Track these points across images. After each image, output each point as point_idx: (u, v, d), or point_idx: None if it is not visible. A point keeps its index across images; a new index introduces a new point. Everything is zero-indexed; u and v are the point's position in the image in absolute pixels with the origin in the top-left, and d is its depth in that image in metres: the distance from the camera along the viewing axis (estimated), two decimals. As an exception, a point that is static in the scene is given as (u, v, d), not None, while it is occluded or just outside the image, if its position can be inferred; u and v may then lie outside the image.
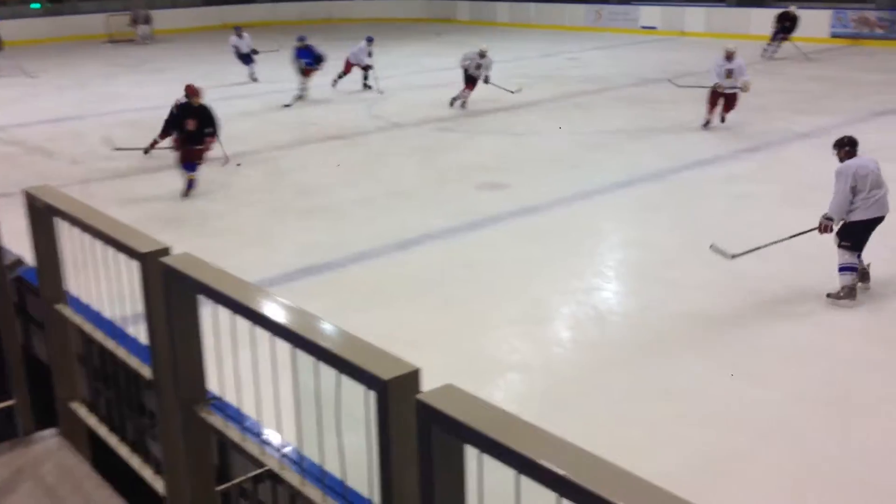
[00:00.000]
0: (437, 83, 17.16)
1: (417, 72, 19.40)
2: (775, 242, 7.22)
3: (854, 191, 6.55)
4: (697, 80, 14.72)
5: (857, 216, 6.61)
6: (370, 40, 17.08)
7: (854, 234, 6.64)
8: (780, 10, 20.26)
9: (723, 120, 12.94)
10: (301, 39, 16.34)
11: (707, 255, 7.85)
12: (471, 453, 1.46)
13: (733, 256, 7.20)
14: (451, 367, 5.64)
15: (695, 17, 25.83)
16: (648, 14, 27.07)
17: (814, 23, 22.51)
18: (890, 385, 5.59)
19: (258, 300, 1.91)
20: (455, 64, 15.44)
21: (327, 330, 1.77)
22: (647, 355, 6.06)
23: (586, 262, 7.95)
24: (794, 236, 7.19)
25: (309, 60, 16.22)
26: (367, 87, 17.12)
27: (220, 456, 3.26)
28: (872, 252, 6.91)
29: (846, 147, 6.76)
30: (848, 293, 6.67)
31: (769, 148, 11.79)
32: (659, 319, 6.63)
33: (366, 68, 17.09)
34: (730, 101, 12.78)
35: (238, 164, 11.12)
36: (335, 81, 17.13)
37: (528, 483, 1.32)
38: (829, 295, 6.73)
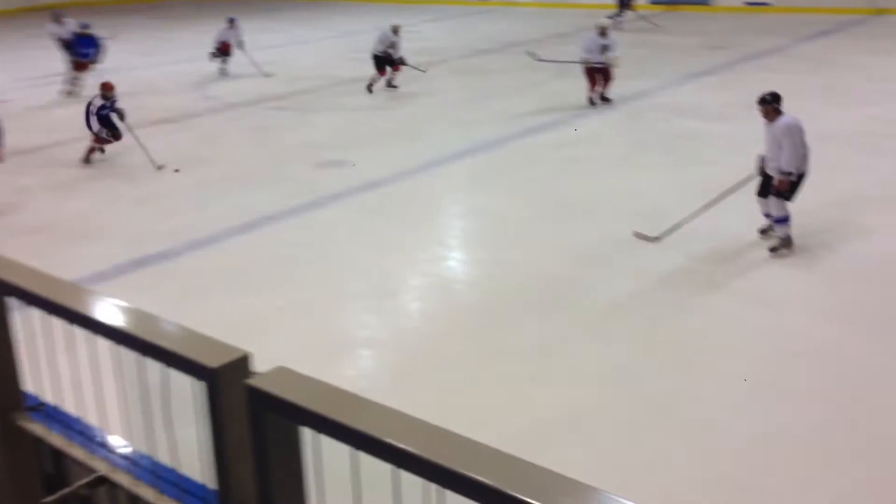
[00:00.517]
0: (272, 60, 16.73)
1: (253, 49, 18.79)
2: (698, 213, 7.34)
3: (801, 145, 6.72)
4: (527, 48, 15.05)
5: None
6: (232, 21, 16.15)
7: (795, 186, 6.81)
8: None
9: (605, 98, 12.58)
10: (84, 27, 14.84)
11: (545, 218, 8.11)
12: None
13: (656, 238, 7.28)
14: (298, 348, 5.57)
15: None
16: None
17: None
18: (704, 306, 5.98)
19: (74, 298, 1.79)
20: (307, 39, 15.07)
21: (150, 322, 1.68)
22: (493, 321, 6.19)
23: (430, 234, 8.02)
24: (717, 200, 7.33)
25: (87, 52, 14.67)
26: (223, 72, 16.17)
27: (56, 465, 3.06)
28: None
29: (775, 104, 6.79)
30: (787, 243, 6.90)
31: (595, 113, 12.24)
32: (502, 285, 6.79)
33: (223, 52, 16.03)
34: (606, 76, 12.50)
35: (176, 171, 10.06)
36: (222, 66, 16.08)
37: (370, 460, 1.30)
38: (772, 249, 6.91)
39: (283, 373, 1.47)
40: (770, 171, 6.87)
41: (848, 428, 4.73)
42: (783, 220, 6.89)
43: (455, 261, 7.49)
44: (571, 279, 6.81)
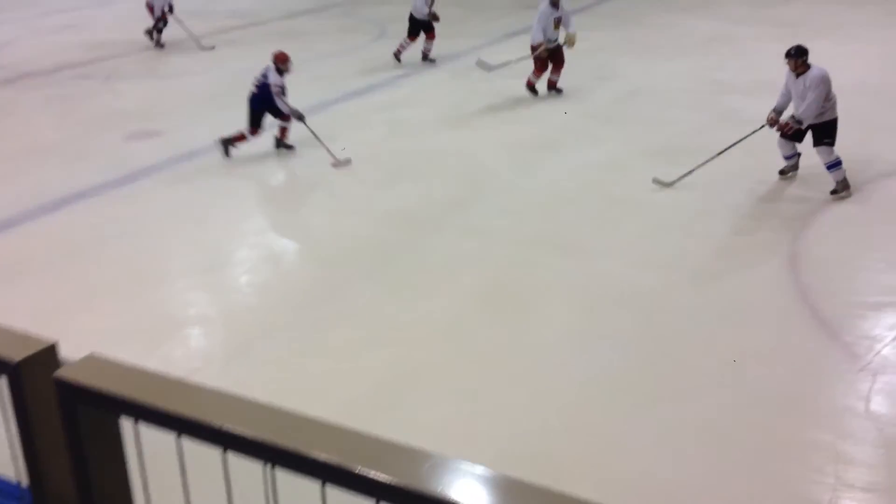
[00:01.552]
0: (69, 24, 15.57)
1: (46, 13, 17.39)
2: (709, 161, 7.44)
3: (828, 96, 6.95)
4: (345, 10, 14.76)
5: (831, 115, 7.04)
6: None
7: (834, 132, 7.06)
8: None
9: (557, 88, 10.65)
10: None
11: (373, 183, 8.08)
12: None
13: (671, 184, 7.47)
14: (119, 333, 5.28)
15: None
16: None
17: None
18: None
19: None
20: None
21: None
22: (326, 289, 6.12)
23: (255, 203, 7.79)
24: (730, 147, 7.48)
25: None
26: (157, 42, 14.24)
27: None
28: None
29: (803, 57, 6.99)
30: (845, 185, 7.12)
31: (417, 73, 12.26)
32: (333, 252, 6.71)
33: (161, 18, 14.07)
34: (558, 60, 10.48)
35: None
36: (157, 39, 14.21)
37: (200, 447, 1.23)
38: (833, 192, 7.10)
39: (94, 361, 1.36)
40: (813, 121, 7.06)
41: (669, 366, 5.04)
42: (836, 164, 7.10)
43: (283, 231, 7.32)
44: (401, 241, 6.83)
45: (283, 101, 8.32)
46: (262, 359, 5.21)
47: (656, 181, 7.57)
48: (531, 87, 10.62)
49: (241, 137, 8.53)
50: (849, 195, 7.16)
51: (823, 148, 7.11)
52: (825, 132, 7.08)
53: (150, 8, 14.10)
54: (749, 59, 11.79)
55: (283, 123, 8.60)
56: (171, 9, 14.12)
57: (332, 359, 5.22)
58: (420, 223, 7.16)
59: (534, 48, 10.22)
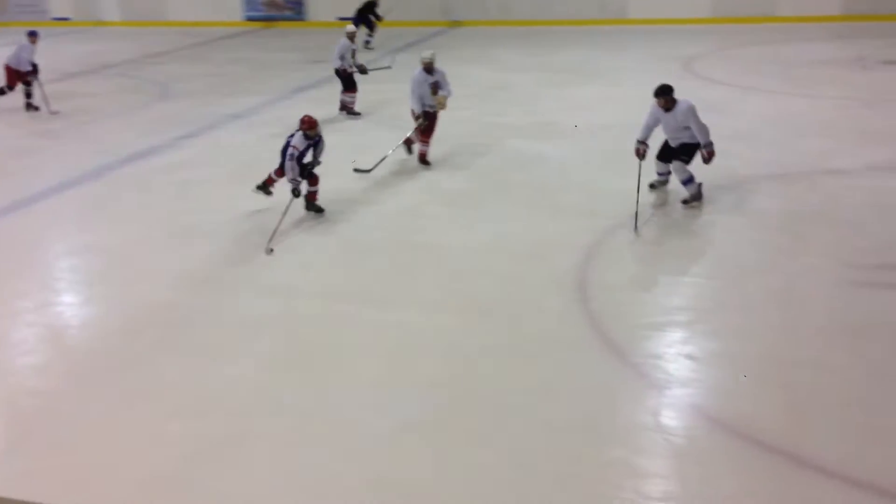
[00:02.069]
0: None
1: None
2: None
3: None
4: (122, 70, 14.22)
5: (693, 139, 7.89)
6: (33, 35, 13.08)
7: (693, 153, 7.96)
8: None
9: (425, 161, 9.86)
10: None
11: (161, 246, 7.77)
12: None
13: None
14: None
15: (109, 5, 25.00)
16: (59, 4, 25.45)
17: (228, 7, 23.45)
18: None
19: None
20: None
21: None
22: (115, 362, 5.76)
23: (33, 279, 7.24)
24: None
25: None
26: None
27: None
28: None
29: (671, 93, 7.81)
30: (696, 197, 8.09)
31: (205, 133, 11.97)
32: (120, 322, 6.34)
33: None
34: (431, 125, 9.78)
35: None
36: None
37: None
38: (684, 201, 8.06)
39: None
40: (673, 144, 8.01)
41: (473, 405, 5.14)
42: (690, 179, 8.03)
43: (65, 305, 6.84)
44: (197, 305, 6.58)
45: (290, 165, 7.95)
46: (44, 449, 4.81)
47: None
48: (423, 159, 9.85)
49: (270, 181, 8.51)
50: (699, 206, 8.05)
51: (680, 164, 7.99)
52: (685, 152, 7.98)
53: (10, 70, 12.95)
54: (528, 104, 12.49)
55: (312, 188, 8.31)
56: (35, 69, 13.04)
57: (127, 436, 4.90)
58: (216, 284, 6.93)
59: (416, 118, 9.69)
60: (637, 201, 7.72)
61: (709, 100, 12.28)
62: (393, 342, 5.94)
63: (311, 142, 8.02)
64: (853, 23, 18.44)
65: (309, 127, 7.97)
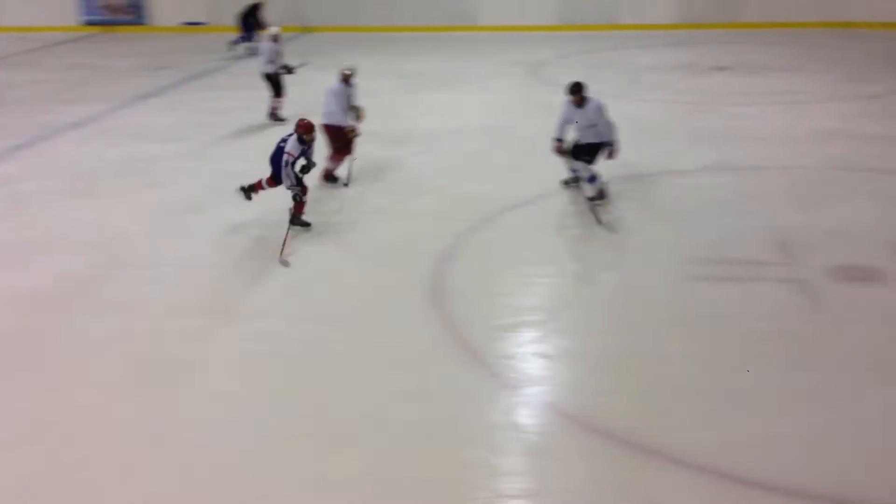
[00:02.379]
0: None
1: None
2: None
3: None
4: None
5: (599, 138, 8.17)
6: None
7: (597, 152, 8.25)
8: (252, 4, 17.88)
9: (334, 177, 9.19)
10: None
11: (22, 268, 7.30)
12: None
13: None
14: None
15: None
16: None
17: (64, 11, 22.22)
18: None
19: None
20: None
21: None
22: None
23: None
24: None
25: None
26: None
27: None
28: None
29: (584, 91, 8.10)
30: (602, 195, 8.21)
31: (39, 142, 11.29)
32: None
33: None
34: (348, 144, 9.12)
35: None
36: None
37: None
38: (590, 198, 8.13)
39: None
40: (584, 142, 8.21)
41: (329, 417, 5.08)
42: (594, 178, 8.18)
43: None
44: (34, 328, 6.18)
45: (287, 172, 7.53)
46: None
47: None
48: (330, 177, 9.13)
49: (259, 186, 8.09)
50: (603, 204, 8.19)
51: (583, 164, 8.22)
52: (589, 152, 8.24)
53: None
54: (381, 110, 12.48)
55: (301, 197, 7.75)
56: None
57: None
58: (54, 305, 6.54)
59: (348, 132, 9.00)
60: (590, 201, 8.08)
61: (555, 104, 12.70)
62: (244, 355, 5.79)
63: (306, 146, 7.65)
64: (687, 30, 19.52)
65: (305, 131, 7.60)
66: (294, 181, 7.59)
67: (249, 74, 12.96)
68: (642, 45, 17.80)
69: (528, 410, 5.16)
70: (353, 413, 5.08)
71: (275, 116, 11.99)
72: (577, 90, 8.13)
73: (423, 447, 4.74)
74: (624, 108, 12.40)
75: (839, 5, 19.31)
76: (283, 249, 7.28)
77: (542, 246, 7.61)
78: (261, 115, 11.91)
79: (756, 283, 6.64)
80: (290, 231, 7.48)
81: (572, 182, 8.72)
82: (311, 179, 8.15)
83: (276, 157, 7.73)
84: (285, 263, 7.18)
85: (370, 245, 7.59)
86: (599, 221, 7.87)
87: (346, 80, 9.18)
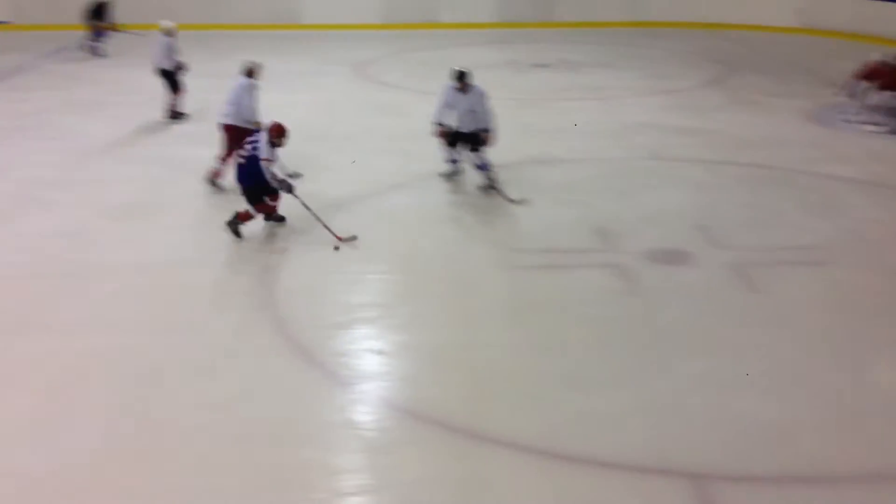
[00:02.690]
0: None
1: None
2: None
3: None
4: None
5: (485, 126, 8.53)
6: None
7: (479, 140, 8.55)
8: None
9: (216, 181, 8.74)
10: None
11: None
12: None
13: None
14: None
15: None
16: None
17: None
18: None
19: None
20: None
21: None
22: None
23: None
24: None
25: None
26: None
27: None
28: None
29: (468, 79, 8.42)
30: (493, 184, 8.56)
31: None
32: None
33: None
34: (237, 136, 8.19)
35: None
36: None
37: None
38: (484, 188, 8.52)
39: None
40: (465, 130, 8.47)
41: (152, 430, 4.87)
42: (484, 166, 8.55)
43: None
44: None
45: (271, 175, 7.24)
46: None
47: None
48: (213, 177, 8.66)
49: (247, 216, 7.45)
50: (496, 192, 8.48)
51: (476, 154, 8.50)
52: (472, 140, 8.50)
53: None
54: (200, 110, 12.08)
55: (272, 203, 7.55)
56: None
57: None
58: None
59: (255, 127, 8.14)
60: (488, 189, 8.48)
61: (382, 102, 12.79)
62: (53, 372, 5.45)
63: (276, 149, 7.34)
64: (506, 29, 20.11)
65: (278, 134, 7.27)
66: (277, 176, 7.30)
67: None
68: (462, 43, 18.13)
69: (363, 407, 5.15)
70: (178, 425, 4.89)
71: (174, 114, 11.40)
72: (462, 77, 8.42)
73: (255, 453, 4.63)
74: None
75: (643, 7, 20.53)
76: (333, 233, 7.39)
77: (373, 241, 7.61)
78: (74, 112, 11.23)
79: (578, 269, 6.95)
80: (316, 214, 7.52)
81: (452, 174, 8.95)
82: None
83: (247, 171, 7.26)
84: (340, 247, 7.31)
85: (193, 253, 7.32)
86: (512, 200, 8.22)
87: (253, 74, 8.71)
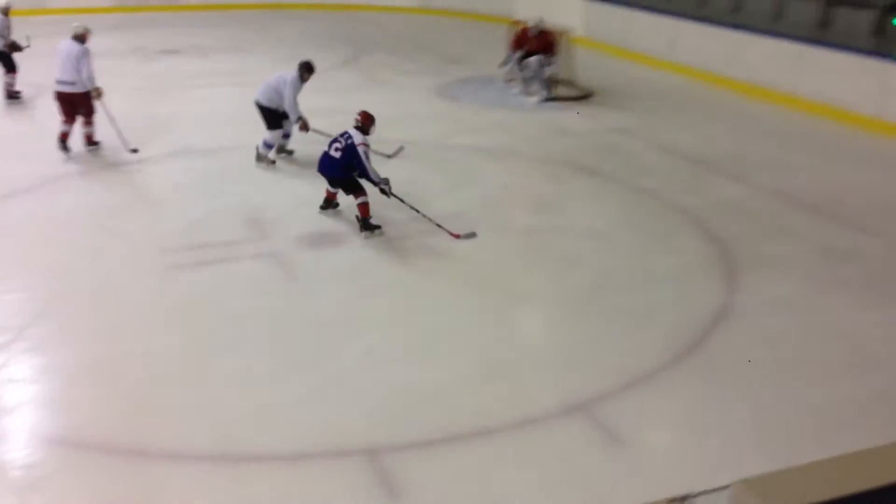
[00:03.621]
0: None
1: None
2: None
3: None
4: None
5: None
6: None
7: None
8: None
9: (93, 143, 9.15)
10: None
11: None
12: None
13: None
14: None
15: None
16: None
17: None
18: None
19: None
20: None
21: None
22: None
23: None
24: None
25: None
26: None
27: None
28: None
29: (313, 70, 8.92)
30: (272, 161, 9.11)
31: None
32: None
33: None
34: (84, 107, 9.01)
35: None
36: None
37: None
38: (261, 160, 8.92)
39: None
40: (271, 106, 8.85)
41: None
42: (272, 145, 9.00)
43: None
44: None
45: (370, 164, 7.15)
46: None
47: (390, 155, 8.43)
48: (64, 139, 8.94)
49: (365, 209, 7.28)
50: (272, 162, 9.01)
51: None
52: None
53: None
54: None
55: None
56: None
57: None
58: None
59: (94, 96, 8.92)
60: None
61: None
62: None
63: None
64: (126, 14, 18.89)
65: (368, 122, 7.33)
66: (377, 174, 7.21)
67: None
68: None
69: (6, 445, 4.57)
70: None
71: (10, 94, 11.20)
72: (313, 69, 8.84)
73: None
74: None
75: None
76: (450, 233, 7.18)
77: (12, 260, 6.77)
78: None
79: (234, 262, 6.77)
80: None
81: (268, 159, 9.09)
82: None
83: (338, 166, 7.24)
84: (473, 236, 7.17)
85: None
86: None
87: (83, 38, 8.82)
